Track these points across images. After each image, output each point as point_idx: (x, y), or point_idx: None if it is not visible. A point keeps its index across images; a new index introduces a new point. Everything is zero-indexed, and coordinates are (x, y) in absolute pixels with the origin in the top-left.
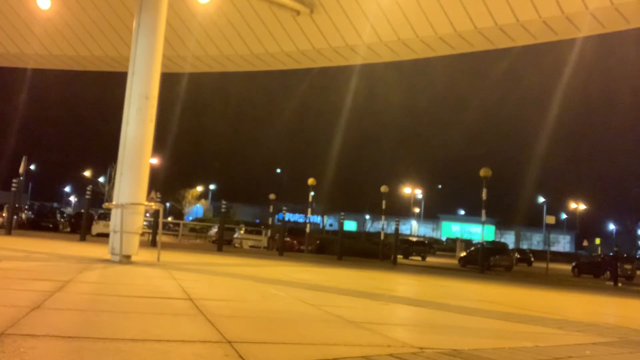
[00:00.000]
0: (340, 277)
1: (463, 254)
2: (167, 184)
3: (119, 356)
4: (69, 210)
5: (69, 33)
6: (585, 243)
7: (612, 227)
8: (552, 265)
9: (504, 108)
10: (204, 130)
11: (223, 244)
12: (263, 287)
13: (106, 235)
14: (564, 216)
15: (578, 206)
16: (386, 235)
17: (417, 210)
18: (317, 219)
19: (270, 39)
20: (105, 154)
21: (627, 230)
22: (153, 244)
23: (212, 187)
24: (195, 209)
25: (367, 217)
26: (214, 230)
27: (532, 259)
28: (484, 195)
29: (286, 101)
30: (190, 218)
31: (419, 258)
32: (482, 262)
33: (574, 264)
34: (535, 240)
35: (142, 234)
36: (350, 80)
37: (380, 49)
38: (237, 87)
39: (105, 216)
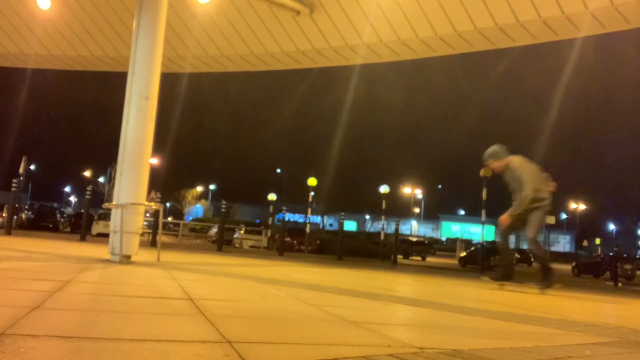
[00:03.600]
0: (340, 277)
1: (463, 254)
2: (167, 184)
3: (119, 356)
4: (69, 210)
5: (69, 33)
6: (585, 243)
7: (612, 227)
8: (552, 265)
9: (504, 108)
10: (204, 130)
11: (223, 244)
12: (263, 287)
13: (106, 235)
14: (564, 216)
15: (578, 206)
16: (386, 235)
17: (417, 210)
18: (317, 219)
19: (270, 39)
20: (105, 154)
21: (627, 230)
22: (153, 244)
23: (212, 187)
24: (195, 209)
25: (367, 217)
26: (214, 230)
27: (532, 259)
28: (484, 195)
29: (286, 101)
30: (190, 218)
31: (419, 258)
32: (482, 262)
33: (574, 264)
34: None
35: (142, 234)
36: (350, 80)
37: (380, 49)
38: (237, 87)
39: (105, 216)
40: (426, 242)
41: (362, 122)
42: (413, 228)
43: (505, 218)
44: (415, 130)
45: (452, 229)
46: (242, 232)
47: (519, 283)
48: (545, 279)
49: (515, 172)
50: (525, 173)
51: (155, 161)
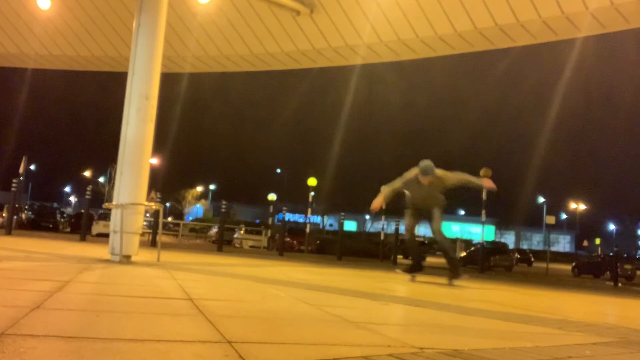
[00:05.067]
0: (340, 277)
1: (463, 254)
2: (167, 184)
3: (119, 356)
4: (69, 210)
5: (69, 33)
6: (585, 243)
7: (612, 227)
8: (552, 265)
9: (504, 108)
10: (204, 130)
11: (223, 244)
12: (263, 287)
13: (106, 235)
14: (564, 216)
15: (578, 206)
16: (386, 235)
17: None
18: (317, 219)
19: (270, 39)
20: (105, 154)
21: (627, 230)
22: (153, 244)
23: (212, 187)
24: (196, 209)
25: (367, 217)
26: (214, 230)
27: (532, 259)
28: (484, 195)
29: (286, 101)
30: (190, 218)
31: None
32: (482, 262)
33: (574, 264)
34: (535, 240)
35: (142, 234)
36: (350, 80)
37: (380, 49)
38: (237, 87)
39: (105, 216)
40: (426, 242)
41: (362, 122)
42: None
43: (490, 183)
44: (415, 130)
45: (452, 229)
46: (242, 232)
47: (428, 274)
48: (453, 271)
49: (447, 180)
50: (451, 174)
51: (155, 161)
